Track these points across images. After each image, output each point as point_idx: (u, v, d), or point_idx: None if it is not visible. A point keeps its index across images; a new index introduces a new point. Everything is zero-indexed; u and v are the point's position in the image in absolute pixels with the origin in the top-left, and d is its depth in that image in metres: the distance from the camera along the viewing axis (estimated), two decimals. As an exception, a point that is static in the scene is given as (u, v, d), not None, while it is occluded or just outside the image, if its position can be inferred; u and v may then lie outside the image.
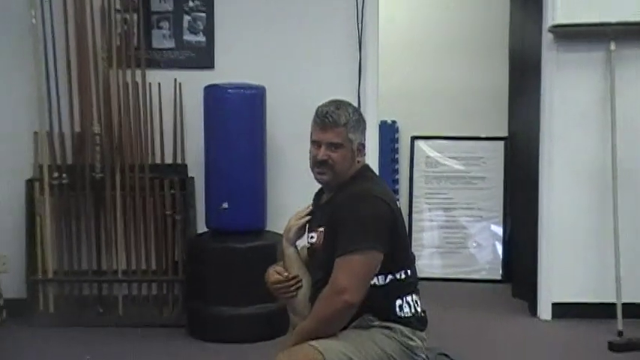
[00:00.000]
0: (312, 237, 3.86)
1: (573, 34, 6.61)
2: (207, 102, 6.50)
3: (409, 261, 3.78)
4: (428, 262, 8.21)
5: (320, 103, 3.69)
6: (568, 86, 6.69)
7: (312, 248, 3.88)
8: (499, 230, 8.26)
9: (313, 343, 3.53)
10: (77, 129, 6.75)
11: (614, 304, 6.34)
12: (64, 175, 6.70)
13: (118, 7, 6.76)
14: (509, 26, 7.82)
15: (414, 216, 8.32)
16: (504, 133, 8.05)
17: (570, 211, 6.77)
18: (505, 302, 7.29)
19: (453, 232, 8.24)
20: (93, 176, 6.70)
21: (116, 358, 6.00)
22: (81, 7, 6.66)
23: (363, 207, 3.62)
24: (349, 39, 6.78)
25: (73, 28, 6.70)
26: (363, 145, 3.83)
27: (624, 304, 6.33)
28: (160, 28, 6.92)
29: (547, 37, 6.68)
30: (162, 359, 5.94)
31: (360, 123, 3.79)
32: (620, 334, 6.15)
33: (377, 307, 3.62)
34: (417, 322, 3.71)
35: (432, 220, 8.32)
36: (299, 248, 3.96)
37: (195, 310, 6.41)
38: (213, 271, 6.38)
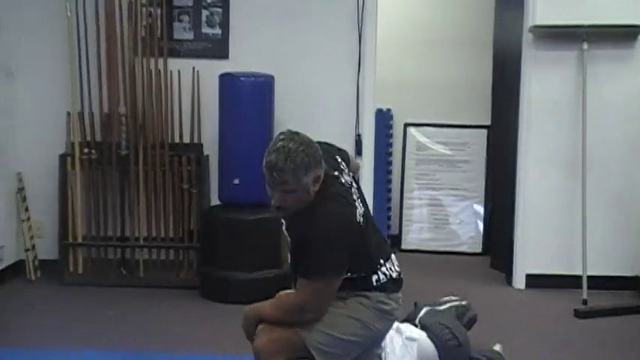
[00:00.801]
0: (287, 237, 3.83)
1: (550, 35, 6.65)
2: (222, 88, 6.54)
3: (372, 256, 3.72)
4: (416, 235, 8.28)
5: (274, 144, 3.44)
6: (545, 81, 6.75)
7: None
8: (480, 209, 8.28)
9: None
10: (105, 110, 6.76)
11: (580, 276, 6.40)
12: (93, 151, 6.74)
13: (143, 1, 6.78)
14: (493, 26, 7.80)
15: (405, 194, 8.33)
16: (487, 122, 8.09)
17: (543, 193, 6.83)
18: (484, 273, 7.34)
19: (439, 210, 8.27)
20: (119, 153, 6.76)
21: (136, 314, 6.02)
22: (110, 2, 6.71)
23: (319, 236, 3.51)
24: (350, 35, 6.79)
25: (103, 21, 6.73)
26: (319, 177, 3.53)
27: (589, 277, 6.38)
28: (180, 21, 6.95)
29: (527, 37, 6.72)
30: (176, 317, 5.94)
31: (311, 163, 3.47)
32: (584, 302, 6.21)
33: (355, 285, 3.64)
34: (392, 284, 3.72)
35: (420, 199, 8.33)
36: None
37: (207, 274, 6.48)
38: (223, 240, 6.43)
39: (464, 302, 5.29)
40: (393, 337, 4.77)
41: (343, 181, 3.71)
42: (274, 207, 3.59)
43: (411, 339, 4.77)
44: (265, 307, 3.72)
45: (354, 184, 3.78)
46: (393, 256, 3.83)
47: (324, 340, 3.58)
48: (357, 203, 3.68)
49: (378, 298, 3.65)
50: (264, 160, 3.47)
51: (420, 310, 5.05)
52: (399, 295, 3.78)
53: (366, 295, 3.64)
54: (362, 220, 3.63)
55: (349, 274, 3.58)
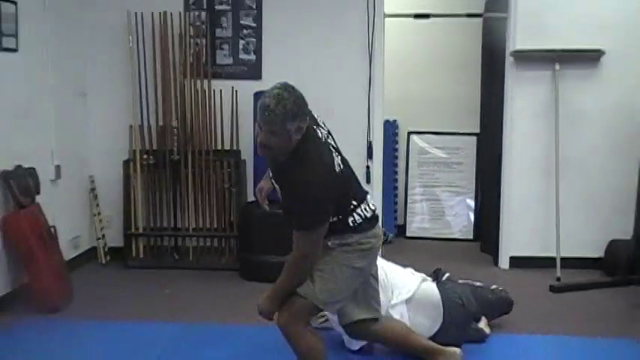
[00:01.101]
0: (275, 185, 3.80)
1: (528, 58, 6.65)
2: (256, 104, 6.60)
3: (349, 198, 3.71)
4: (418, 225, 8.22)
5: (272, 90, 3.46)
6: (524, 96, 6.75)
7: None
8: (471, 202, 8.24)
9: (299, 291, 3.66)
10: (160, 123, 6.84)
11: (554, 258, 6.43)
12: (151, 157, 6.82)
13: (191, 34, 6.86)
14: (481, 51, 7.74)
15: (409, 191, 8.29)
16: (477, 130, 8.02)
17: (524, 188, 6.83)
18: (475, 256, 7.34)
19: (437, 204, 8.21)
20: (171, 158, 6.83)
21: (187, 292, 6.13)
22: (165, 34, 6.79)
23: (304, 192, 3.53)
24: (362, 59, 6.81)
25: (158, 50, 6.84)
26: (301, 128, 3.54)
27: (562, 258, 6.41)
28: (222, 49, 6.99)
29: (509, 60, 6.73)
30: (219, 295, 6.03)
31: (298, 114, 3.51)
32: (558, 279, 6.26)
33: (335, 229, 3.63)
34: (367, 223, 3.73)
35: (422, 195, 8.28)
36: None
37: (245, 258, 6.56)
38: (258, 230, 6.44)
39: (480, 284, 5.28)
40: (406, 269, 4.92)
41: (320, 135, 3.72)
42: (259, 144, 3.58)
43: (423, 278, 4.84)
44: (275, 283, 3.72)
45: (329, 136, 3.79)
46: (367, 197, 3.84)
47: (326, 296, 3.67)
48: (334, 154, 3.69)
49: (358, 240, 3.69)
50: (260, 102, 3.52)
51: (442, 275, 5.14)
52: (376, 230, 3.82)
53: (347, 243, 3.67)
54: (340, 167, 3.67)
55: (332, 219, 3.61)
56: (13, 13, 5.57)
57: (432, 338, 4.51)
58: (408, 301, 4.71)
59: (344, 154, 3.86)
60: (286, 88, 3.54)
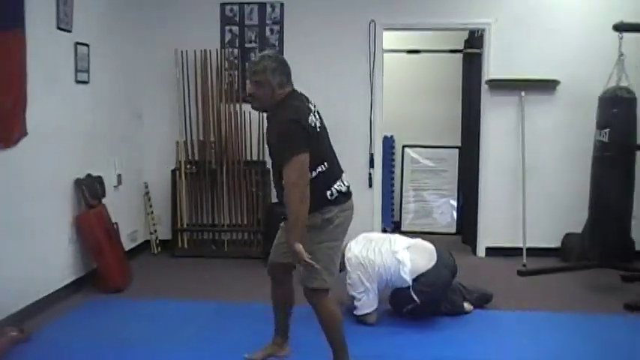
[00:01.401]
0: (268, 139, 3.78)
1: (499, 86, 6.69)
2: None
3: (325, 157, 3.66)
4: (410, 222, 8.18)
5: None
6: (497, 116, 6.79)
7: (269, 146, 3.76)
8: (454, 203, 8.20)
9: (316, 285, 3.63)
10: (201, 138, 6.90)
11: (521, 248, 6.51)
12: (193, 166, 6.90)
13: (226, 67, 6.90)
14: (461, 79, 7.66)
15: (404, 194, 8.24)
16: (458, 144, 7.94)
17: (497, 191, 6.87)
18: (457, 247, 7.26)
19: (426, 204, 8.27)
20: (210, 168, 6.90)
21: (222, 276, 6.17)
22: (204, 67, 6.86)
23: (283, 130, 3.53)
24: (365, 86, 6.84)
25: (200, 79, 6.89)
26: (283, 83, 3.61)
27: (527, 248, 6.51)
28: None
29: (484, 87, 6.78)
30: (248, 279, 6.01)
31: (278, 69, 3.61)
32: (524, 265, 6.33)
33: (316, 199, 3.52)
34: (343, 196, 3.69)
35: (414, 197, 8.26)
36: None
37: (269, 249, 6.57)
38: (279, 226, 6.59)
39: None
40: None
41: (310, 105, 3.70)
42: (247, 94, 3.72)
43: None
44: (288, 226, 3.58)
45: (318, 113, 3.72)
46: (343, 175, 3.76)
47: (329, 276, 3.67)
48: (314, 116, 3.63)
49: (336, 214, 3.64)
50: (248, 62, 3.59)
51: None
52: (350, 202, 3.76)
53: (329, 218, 3.60)
54: (316, 125, 3.63)
55: (312, 173, 3.54)
56: (86, 54, 5.67)
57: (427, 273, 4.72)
58: (408, 247, 4.85)
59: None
60: (272, 52, 3.84)
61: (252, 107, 3.85)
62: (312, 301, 3.76)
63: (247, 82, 3.73)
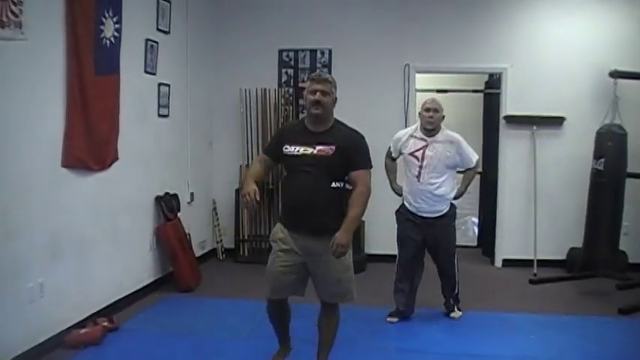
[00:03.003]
0: (320, 149, 3.36)
1: (515, 120, 6.69)
2: None
3: None
4: None
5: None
6: (512, 147, 6.78)
7: (316, 155, 3.36)
8: (476, 220, 8.15)
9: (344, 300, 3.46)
10: None
11: (532, 260, 6.51)
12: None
13: (282, 103, 6.94)
14: (482, 114, 7.68)
15: None
16: (480, 169, 7.07)
17: (512, 210, 6.82)
18: (478, 258, 7.28)
19: None
20: (268, 187, 6.84)
21: None
22: (264, 103, 6.93)
23: (363, 143, 3.42)
24: (400, 120, 6.73)
25: (260, 113, 6.97)
26: (336, 99, 3.47)
27: (538, 260, 6.49)
28: (302, 113, 6.74)
29: (502, 122, 6.78)
30: None
31: (336, 86, 3.47)
32: (535, 275, 6.32)
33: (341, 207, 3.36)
34: None
35: None
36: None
37: None
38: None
39: None
40: None
41: None
42: (314, 100, 3.36)
43: None
44: (348, 220, 3.26)
45: None
46: None
47: (354, 286, 3.54)
48: None
49: None
50: (313, 75, 3.46)
51: None
52: None
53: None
54: None
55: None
56: (167, 92, 5.83)
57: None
58: None
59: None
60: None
61: (313, 113, 3.41)
62: (336, 312, 3.60)
63: (312, 90, 3.41)
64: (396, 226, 4.93)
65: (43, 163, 4.08)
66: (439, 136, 4.73)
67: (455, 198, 4.83)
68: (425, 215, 4.75)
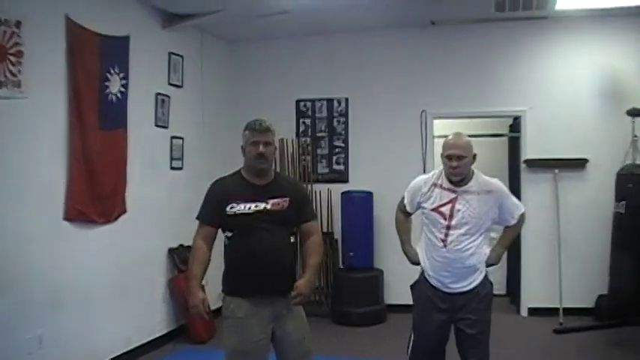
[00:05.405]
0: (273, 203, 3.15)
1: (536, 164, 6.68)
2: (343, 200, 6.81)
3: None
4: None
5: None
6: (534, 190, 6.70)
7: (271, 210, 3.15)
8: (505, 269, 7.60)
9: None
10: None
11: (558, 308, 6.41)
12: None
13: (300, 152, 7.10)
14: (507, 159, 7.55)
15: None
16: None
17: (536, 256, 6.74)
18: (505, 307, 7.12)
19: None
20: None
21: None
22: (282, 153, 7.03)
23: (305, 192, 3.46)
24: (418, 165, 6.70)
25: (279, 163, 6.97)
26: (276, 148, 3.37)
27: (564, 308, 6.39)
28: (321, 162, 7.19)
29: (523, 165, 6.77)
30: (317, 331, 5.36)
31: (275, 133, 3.25)
32: (560, 324, 6.23)
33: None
34: None
35: None
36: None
37: (337, 307, 6.65)
38: (346, 289, 6.61)
39: None
40: None
41: None
42: (259, 153, 3.13)
43: None
44: (310, 270, 3.23)
45: None
46: None
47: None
48: None
49: None
50: (251, 122, 3.19)
51: None
52: None
53: None
54: None
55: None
56: (180, 145, 6.02)
57: None
58: None
59: None
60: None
61: (258, 167, 3.20)
62: None
63: (254, 142, 3.18)
64: (412, 303, 3.84)
65: (45, 215, 4.23)
66: (472, 185, 3.62)
67: (489, 265, 3.72)
68: (452, 291, 3.61)
